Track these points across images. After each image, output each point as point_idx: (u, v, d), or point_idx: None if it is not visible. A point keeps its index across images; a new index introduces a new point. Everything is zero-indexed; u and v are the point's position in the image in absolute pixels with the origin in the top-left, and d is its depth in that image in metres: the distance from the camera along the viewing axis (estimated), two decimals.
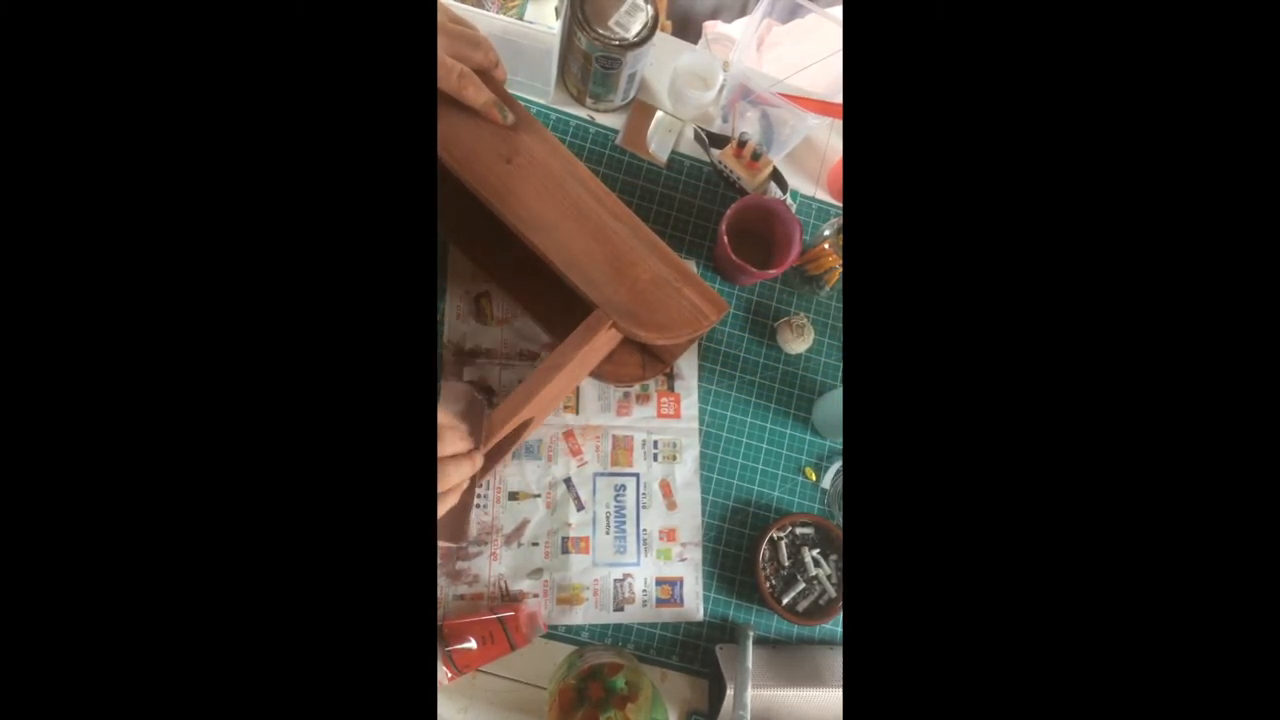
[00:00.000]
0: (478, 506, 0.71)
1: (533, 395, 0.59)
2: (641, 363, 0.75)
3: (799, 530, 0.74)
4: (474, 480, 0.50)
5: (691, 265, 0.79)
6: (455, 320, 0.75)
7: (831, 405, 0.75)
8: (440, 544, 0.52)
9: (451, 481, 0.47)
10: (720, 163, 0.81)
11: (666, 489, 0.74)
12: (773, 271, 0.73)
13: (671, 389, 0.77)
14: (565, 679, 0.63)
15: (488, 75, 0.61)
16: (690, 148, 0.83)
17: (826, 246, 0.75)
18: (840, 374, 0.80)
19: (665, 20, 1.24)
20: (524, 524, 0.72)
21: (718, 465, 0.76)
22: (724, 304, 0.65)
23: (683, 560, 0.73)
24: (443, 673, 0.65)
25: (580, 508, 0.73)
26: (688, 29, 1.37)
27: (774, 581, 0.73)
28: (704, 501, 0.75)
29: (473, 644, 0.66)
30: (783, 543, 0.73)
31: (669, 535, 0.74)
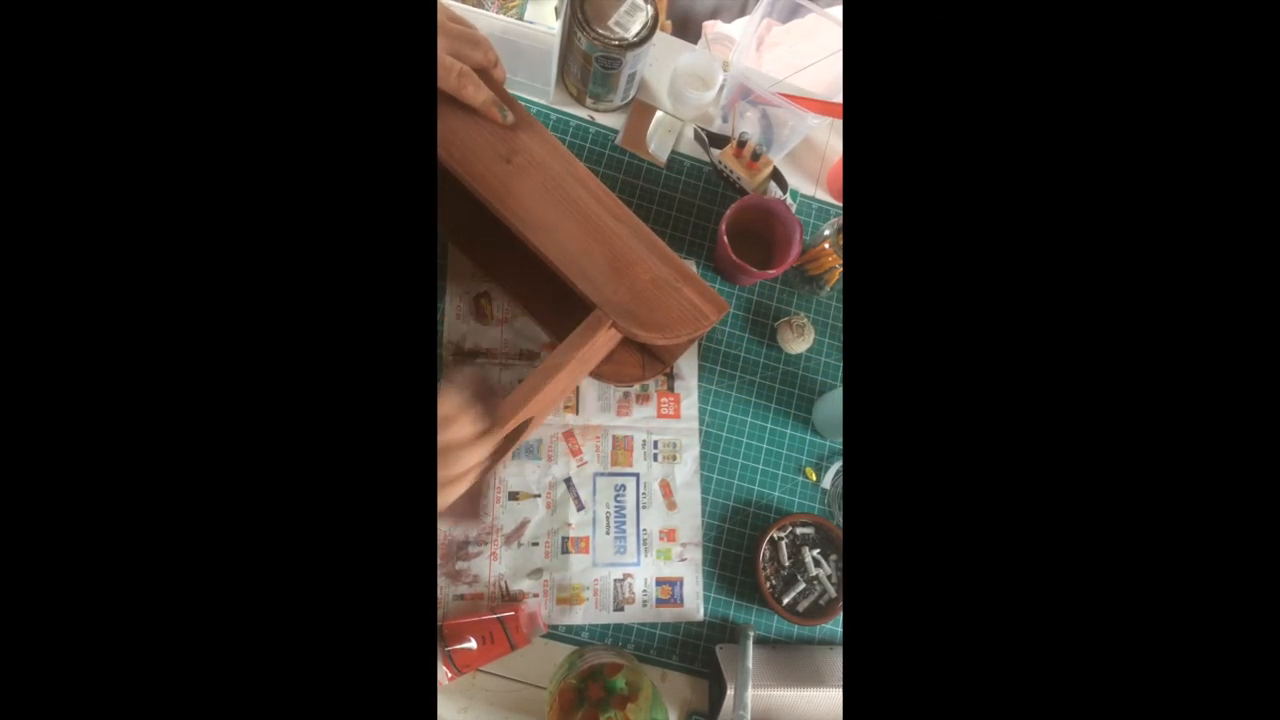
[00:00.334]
0: None
1: (532, 395, 0.59)
2: (641, 363, 0.75)
3: (799, 530, 0.74)
4: (492, 460, 0.50)
5: (691, 265, 0.79)
6: (455, 320, 0.75)
7: (831, 405, 0.75)
8: (458, 524, 0.52)
9: (464, 465, 0.47)
10: (720, 163, 0.81)
11: (666, 489, 0.74)
12: (773, 271, 0.73)
13: (671, 389, 0.77)
14: (565, 679, 0.63)
15: (487, 74, 0.61)
16: (690, 148, 0.83)
17: (826, 246, 0.75)
18: (840, 374, 0.80)
19: (665, 20, 1.24)
20: (524, 524, 0.72)
21: (718, 465, 0.76)
22: (724, 304, 0.65)
23: (683, 560, 0.73)
24: (443, 673, 0.65)
25: (580, 508, 0.73)
26: (688, 29, 1.38)
27: (774, 581, 0.73)
28: (704, 501, 0.75)
29: (473, 644, 0.66)
30: (783, 543, 0.73)
31: (669, 535, 0.74)
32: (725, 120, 0.82)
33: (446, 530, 0.70)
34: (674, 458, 0.75)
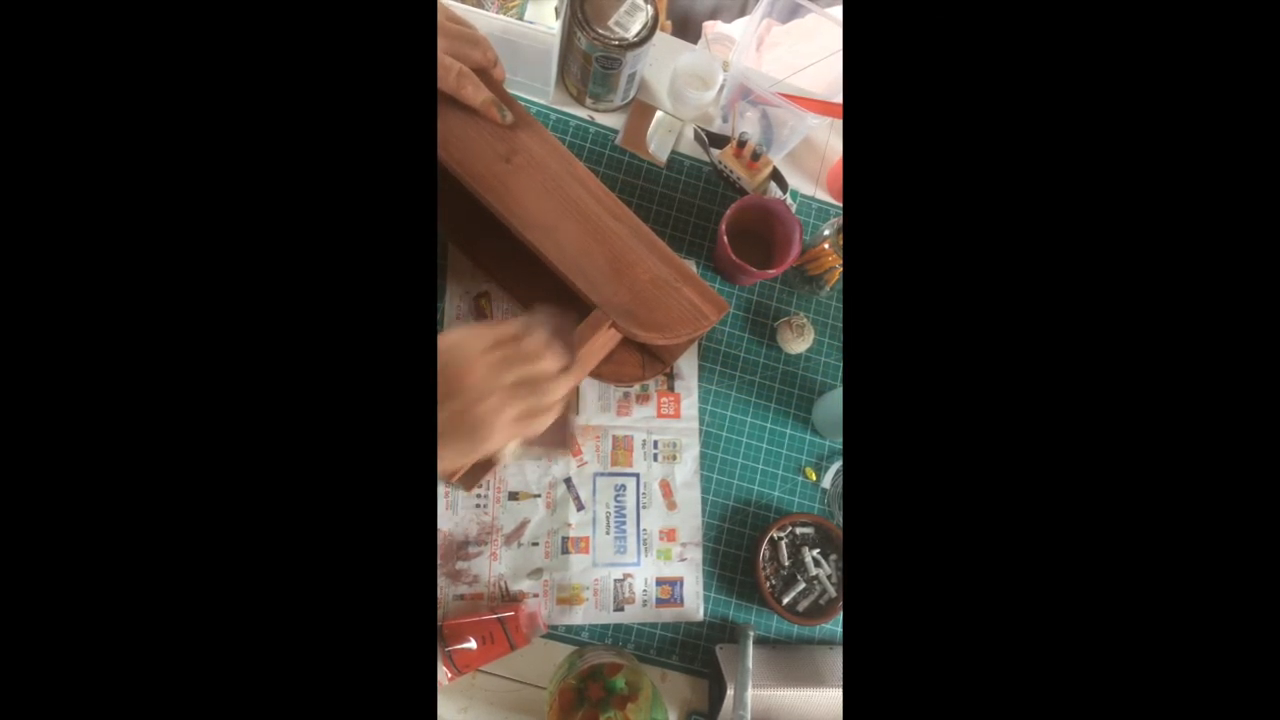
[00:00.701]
0: (477, 507, 0.71)
1: None
2: (641, 363, 0.75)
3: (799, 530, 0.74)
4: (571, 395, 0.51)
5: (691, 265, 0.79)
6: (455, 320, 0.75)
7: (831, 405, 0.75)
8: (549, 452, 0.54)
9: (554, 397, 0.49)
10: (720, 163, 0.81)
11: (666, 489, 0.74)
12: (773, 271, 0.73)
13: (671, 389, 0.77)
14: (565, 679, 0.63)
15: (486, 74, 0.61)
16: (690, 148, 0.83)
17: (826, 246, 0.75)
18: (840, 374, 0.80)
19: (665, 20, 1.24)
20: (524, 524, 0.72)
21: (718, 465, 0.76)
22: (724, 304, 0.65)
23: (683, 560, 0.73)
24: (443, 673, 0.65)
25: (580, 508, 0.73)
26: (687, 29, 1.37)
27: (774, 581, 0.73)
28: (704, 501, 0.75)
29: (473, 644, 0.66)
30: (783, 543, 0.73)
31: (669, 535, 0.74)
32: (725, 120, 0.82)
33: (448, 531, 0.70)
34: (674, 458, 0.75)
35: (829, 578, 0.73)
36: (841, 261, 0.75)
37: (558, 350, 0.50)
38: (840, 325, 0.81)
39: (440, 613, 0.69)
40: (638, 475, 0.74)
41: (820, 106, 0.75)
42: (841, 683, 0.68)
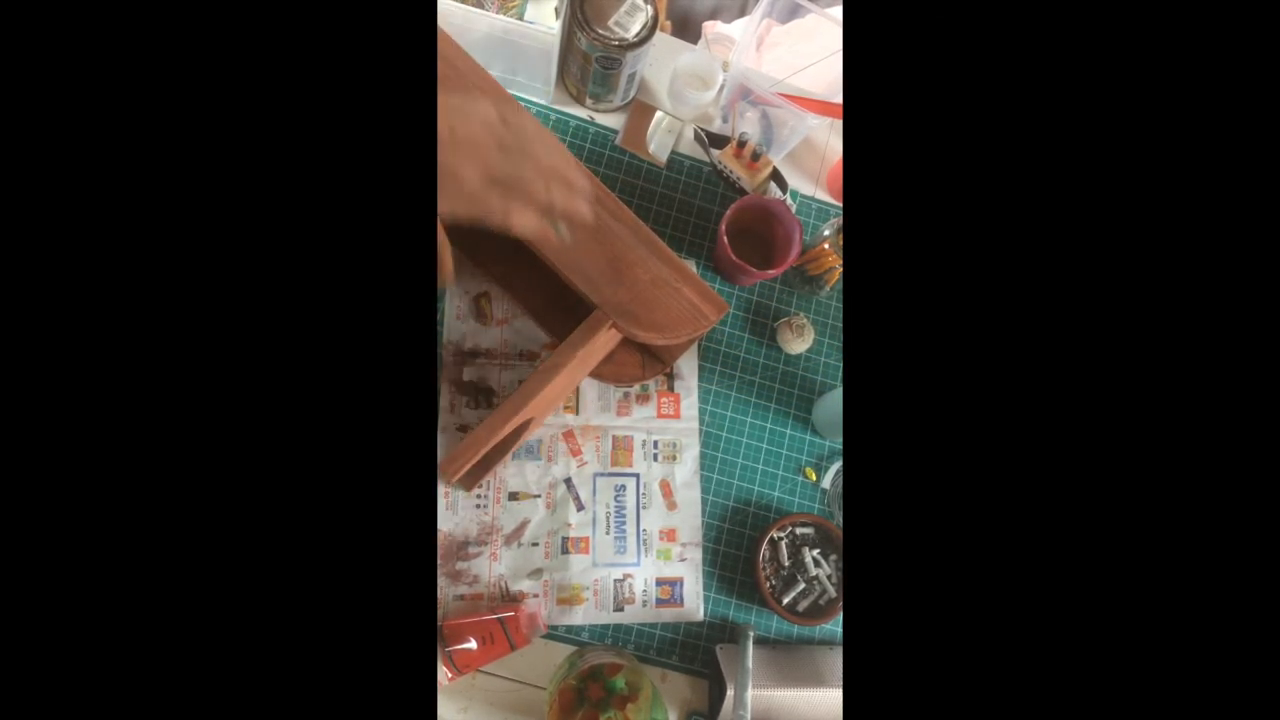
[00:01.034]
0: (477, 507, 0.71)
1: (533, 395, 0.59)
2: (641, 363, 0.75)
3: (799, 530, 0.74)
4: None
5: (691, 265, 0.79)
6: (455, 320, 0.75)
7: (831, 405, 0.75)
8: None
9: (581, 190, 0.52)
10: (720, 163, 0.81)
11: (666, 489, 0.74)
12: (773, 272, 0.73)
13: (671, 389, 0.77)
14: (565, 679, 0.63)
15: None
16: (690, 148, 0.83)
17: (826, 246, 0.75)
18: (840, 374, 0.80)
19: (665, 20, 1.24)
20: (524, 524, 0.72)
21: (718, 465, 0.76)
22: (724, 304, 0.65)
23: (683, 560, 0.73)
24: (443, 673, 0.65)
25: (580, 508, 0.73)
26: (687, 29, 1.37)
27: (774, 581, 0.73)
28: (704, 501, 0.75)
29: (473, 644, 0.66)
30: (783, 543, 0.73)
31: (669, 535, 0.74)
32: (725, 120, 0.82)
33: (448, 531, 0.70)
34: (674, 458, 0.75)
35: (829, 578, 0.73)
36: (841, 261, 0.75)
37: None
38: (840, 325, 0.81)
39: (440, 613, 0.69)
40: (638, 475, 0.74)
41: (820, 106, 0.75)
42: (841, 683, 0.68)
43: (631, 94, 0.82)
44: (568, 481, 0.73)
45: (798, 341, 0.78)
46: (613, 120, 0.82)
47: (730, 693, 0.65)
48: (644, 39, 0.72)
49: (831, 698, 0.68)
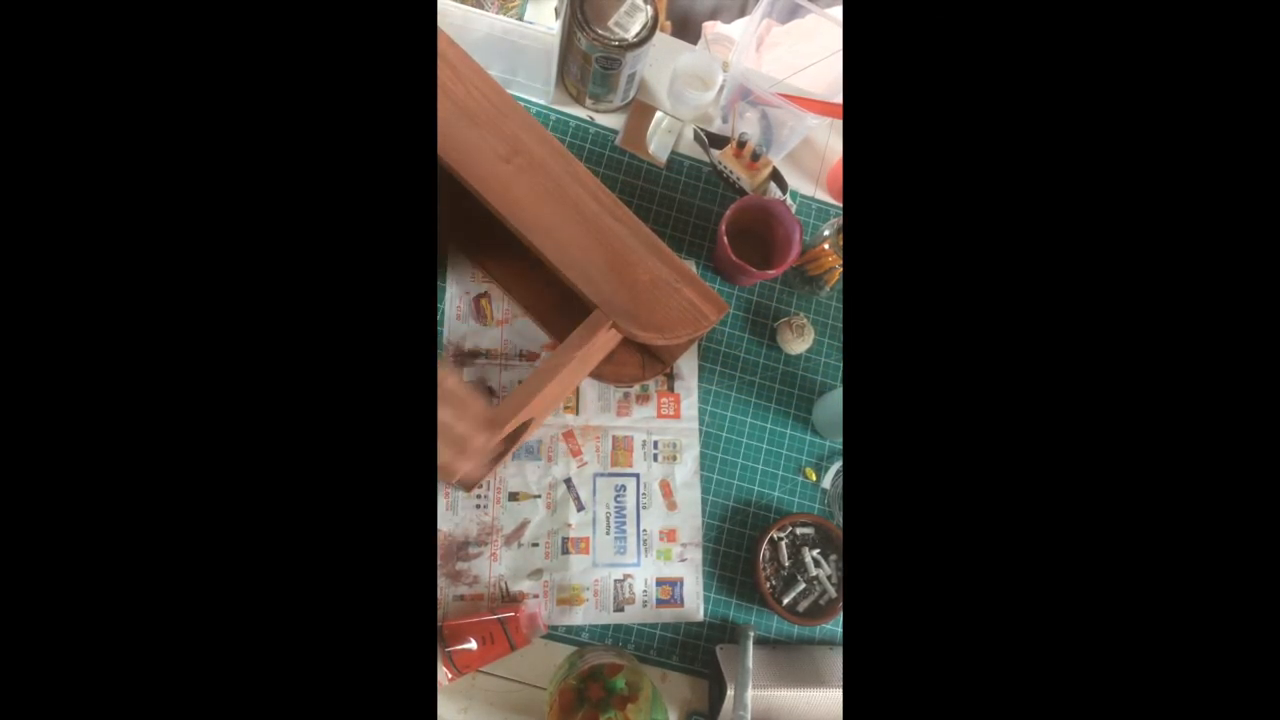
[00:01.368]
0: (477, 507, 0.71)
1: (533, 396, 0.59)
2: (641, 363, 0.75)
3: (799, 530, 0.74)
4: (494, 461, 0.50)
5: (691, 265, 0.79)
6: (455, 320, 0.75)
7: (831, 405, 0.75)
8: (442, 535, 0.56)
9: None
10: (720, 163, 0.81)
11: (666, 489, 0.74)
12: (772, 272, 0.73)
13: (671, 389, 0.77)
14: (565, 679, 0.63)
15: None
16: (690, 148, 0.83)
17: (826, 246, 0.75)
18: (840, 374, 0.80)
19: (665, 20, 1.24)
20: (524, 525, 0.72)
21: (718, 465, 0.76)
22: (724, 304, 0.65)
23: (683, 560, 0.73)
24: (443, 673, 0.65)
25: (580, 508, 0.73)
26: (687, 29, 1.37)
27: (774, 582, 0.73)
28: (704, 502, 0.75)
29: (473, 645, 0.66)
30: (783, 543, 0.73)
31: (669, 535, 0.74)
32: (725, 121, 0.82)
33: (448, 531, 0.70)
34: (674, 458, 0.75)
35: (829, 578, 0.73)
36: (841, 261, 0.75)
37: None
38: (840, 325, 0.81)
39: (440, 613, 0.69)
40: (638, 475, 0.74)
41: (820, 106, 0.75)
42: (841, 683, 0.68)
43: (631, 94, 0.82)
44: (568, 482, 0.73)
45: (798, 341, 0.78)
46: (613, 120, 0.82)
47: (730, 693, 0.65)
48: (644, 39, 0.72)
49: (831, 698, 0.68)
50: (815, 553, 0.73)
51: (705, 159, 0.83)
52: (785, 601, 0.72)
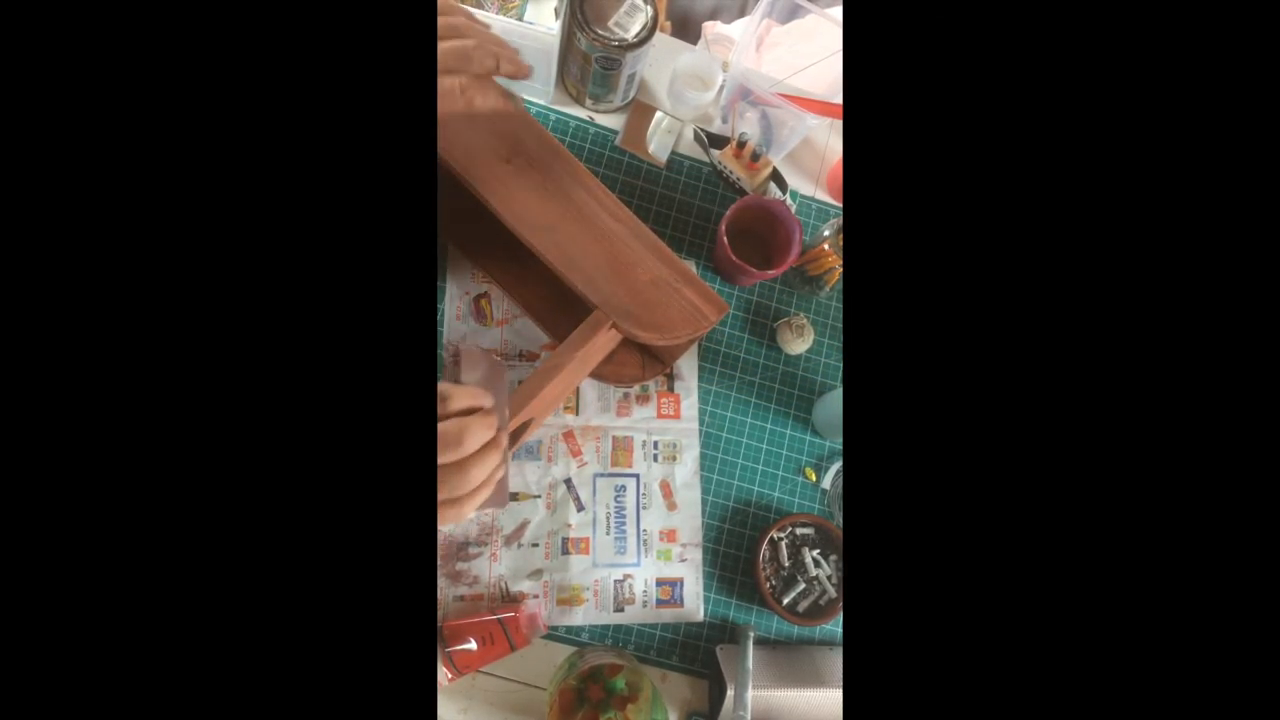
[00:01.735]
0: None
1: (533, 396, 0.59)
2: (641, 363, 0.75)
3: (799, 530, 0.74)
4: (505, 455, 0.49)
5: (691, 265, 0.79)
6: (455, 320, 0.75)
7: (831, 405, 0.75)
8: (488, 509, 0.52)
9: (485, 474, 0.46)
10: (720, 163, 0.81)
11: (666, 489, 0.74)
12: (772, 272, 0.73)
13: (671, 389, 0.77)
14: (565, 680, 0.63)
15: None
16: (690, 148, 0.83)
17: (826, 247, 0.75)
18: (840, 374, 0.80)
19: (665, 21, 1.24)
20: (524, 525, 0.72)
21: (718, 466, 0.76)
22: (724, 304, 0.65)
23: (683, 561, 0.73)
24: (443, 673, 0.65)
25: (580, 508, 0.73)
26: (687, 29, 1.38)
27: (774, 582, 0.73)
28: (704, 502, 0.75)
29: (473, 645, 0.66)
30: (783, 543, 0.73)
31: (669, 536, 0.74)
32: (725, 121, 0.82)
33: (448, 531, 0.70)
34: (674, 458, 0.75)
35: (829, 578, 0.73)
36: (841, 261, 0.75)
37: (488, 414, 0.47)
38: (840, 325, 0.81)
39: (440, 613, 0.69)
40: (638, 476, 0.74)
41: (820, 107, 0.75)
42: (841, 683, 0.68)
43: (631, 94, 0.82)
44: (568, 482, 0.73)
45: (798, 341, 0.78)
46: (613, 120, 0.82)
47: (730, 693, 0.65)
48: (644, 39, 0.72)
49: (831, 698, 0.68)
50: (815, 553, 0.73)
51: (705, 159, 0.83)
52: (785, 601, 0.72)
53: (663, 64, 0.84)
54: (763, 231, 0.78)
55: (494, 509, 0.52)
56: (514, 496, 0.72)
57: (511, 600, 0.70)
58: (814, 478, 0.77)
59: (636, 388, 0.76)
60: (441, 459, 0.44)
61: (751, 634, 0.69)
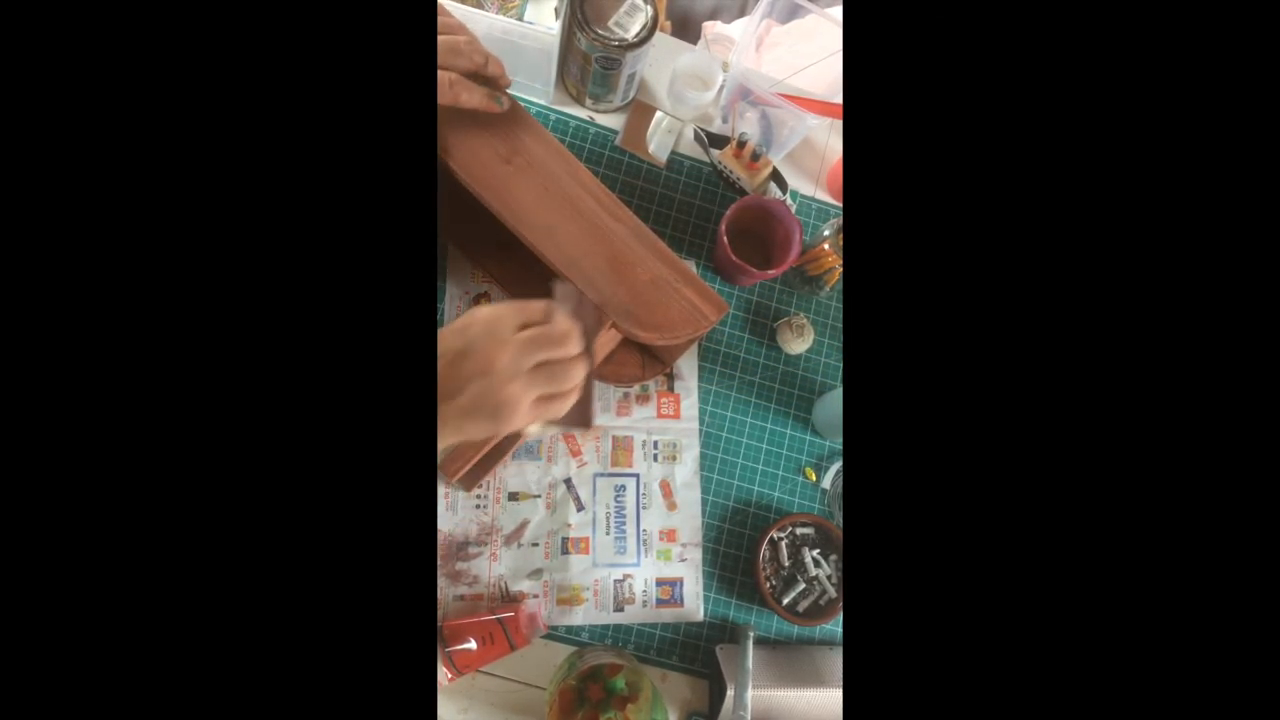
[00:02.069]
0: (477, 507, 0.71)
1: None
2: (641, 363, 0.75)
3: (799, 530, 0.74)
4: (589, 375, 0.52)
5: (691, 265, 0.79)
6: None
7: (831, 405, 0.75)
8: (572, 428, 0.55)
9: (573, 381, 0.49)
10: (720, 163, 0.81)
11: (666, 489, 0.74)
12: (772, 272, 0.73)
13: (671, 389, 0.77)
14: (565, 680, 0.63)
15: (478, 75, 0.61)
16: (690, 148, 0.83)
17: (826, 246, 0.75)
18: (840, 374, 0.80)
19: (664, 20, 1.24)
20: (524, 525, 0.72)
21: (718, 465, 0.76)
22: (724, 304, 0.65)
23: (683, 561, 0.73)
24: (443, 673, 0.65)
25: (580, 508, 0.73)
26: (687, 29, 1.37)
27: (774, 582, 0.73)
28: (704, 502, 0.75)
29: (473, 645, 0.66)
30: (783, 543, 0.73)
31: (669, 536, 0.74)
32: (725, 121, 0.82)
33: (448, 531, 0.70)
34: (674, 458, 0.75)
35: (829, 578, 0.73)
36: (841, 261, 0.75)
37: (578, 331, 0.50)
38: (840, 325, 0.81)
39: (440, 613, 0.69)
40: (638, 476, 0.74)
41: (820, 107, 0.75)
42: (841, 683, 0.68)
43: (631, 94, 0.82)
44: (568, 482, 0.73)
45: (798, 341, 0.78)
46: (613, 120, 0.82)
47: (730, 693, 0.65)
48: (644, 39, 0.72)
49: (831, 698, 0.68)
50: (815, 553, 0.73)
51: (705, 159, 0.83)
52: (785, 601, 0.72)
53: (663, 64, 0.84)
54: (763, 231, 0.78)
55: (579, 429, 0.56)
56: (514, 496, 0.72)
57: (511, 600, 0.70)
58: (814, 478, 0.77)
59: (636, 387, 0.76)
60: (549, 354, 0.47)
61: (751, 634, 0.69)
